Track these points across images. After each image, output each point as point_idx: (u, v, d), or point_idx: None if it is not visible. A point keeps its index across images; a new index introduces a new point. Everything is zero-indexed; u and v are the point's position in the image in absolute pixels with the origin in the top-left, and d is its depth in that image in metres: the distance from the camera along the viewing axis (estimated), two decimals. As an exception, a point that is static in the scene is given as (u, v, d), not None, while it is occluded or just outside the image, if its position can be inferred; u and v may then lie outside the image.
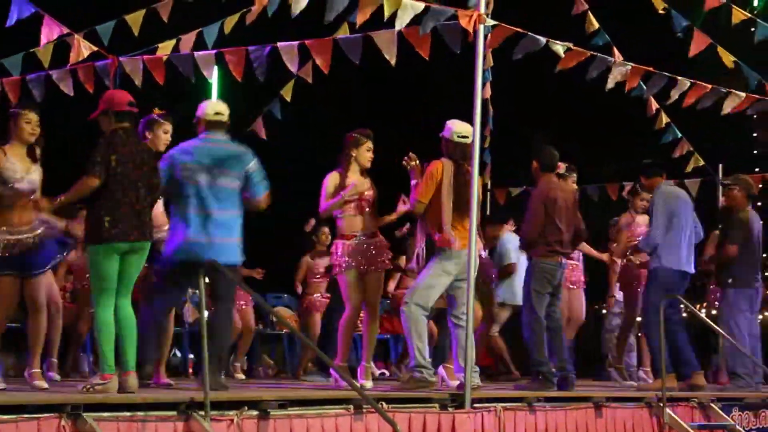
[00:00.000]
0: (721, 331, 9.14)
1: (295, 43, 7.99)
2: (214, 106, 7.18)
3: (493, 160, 10.52)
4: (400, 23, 7.08)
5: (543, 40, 7.83)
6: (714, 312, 10.27)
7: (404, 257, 10.74)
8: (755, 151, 12.84)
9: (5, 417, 5.12)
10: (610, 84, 8.73)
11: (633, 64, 8.81)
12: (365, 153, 7.89)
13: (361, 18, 7.15)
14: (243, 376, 9.94)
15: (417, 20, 7.17)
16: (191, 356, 10.82)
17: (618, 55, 8.88)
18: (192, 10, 8.57)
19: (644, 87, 9.42)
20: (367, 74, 8.29)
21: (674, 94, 9.22)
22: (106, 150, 6.29)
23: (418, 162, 7.74)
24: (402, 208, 8.04)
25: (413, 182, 7.73)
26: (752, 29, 9.49)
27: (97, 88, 8.56)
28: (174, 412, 5.68)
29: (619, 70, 8.73)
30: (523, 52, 7.82)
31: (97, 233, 6.26)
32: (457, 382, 7.60)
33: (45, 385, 6.79)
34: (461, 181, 7.47)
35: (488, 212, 11.44)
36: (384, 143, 8.07)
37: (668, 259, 8.88)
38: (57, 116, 9.00)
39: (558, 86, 8.61)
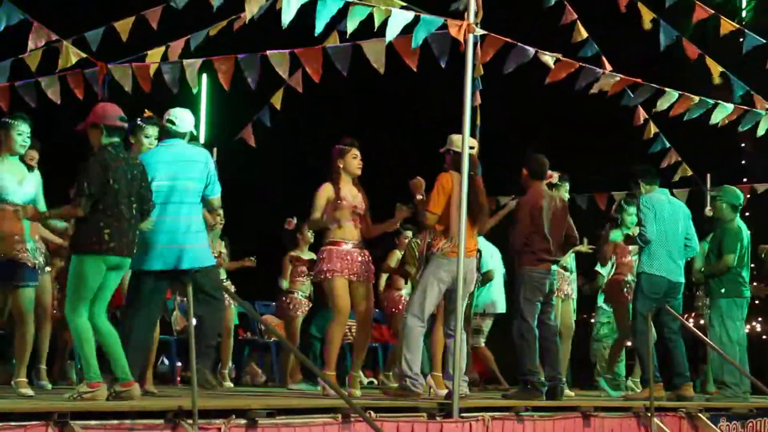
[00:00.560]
0: (708, 341, 9.16)
1: (286, 51, 8.00)
2: (174, 114, 7.14)
3: (483, 169, 10.51)
4: (391, 33, 7.08)
5: (532, 51, 7.86)
6: (702, 322, 10.29)
7: (394, 256, 10.75)
8: (743, 161, 12.89)
9: (-8, 425, 5.11)
10: (594, 90, 8.76)
11: (622, 76, 8.83)
12: (352, 161, 7.89)
13: (350, 27, 7.14)
14: (231, 384, 9.91)
15: (407, 29, 7.18)
16: (179, 364, 10.79)
17: (607, 66, 8.90)
18: (181, 18, 8.58)
19: (632, 95, 9.46)
20: (357, 82, 8.30)
21: (661, 104, 9.25)
22: (97, 174, 6.20)
23: (420, 179, 7.78)
24: (401, 215, 8.08)
25: (417, 198, 7.74)
26: (740, 39, 9.54)
27: (86, 94, 8.55)
28: (161, 421, 5.65)
29: (607, 80, 8.76)
30: (513, 65, 7.85)
31: (93, 244, 6.18)
32: (446, 391, 7.61)
33: (30, 392, 6.77)
34: (474, 191, 7.50)
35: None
36: (376, 150, 8.09)
37: (652, 265, 8.91)
38: (48, 122, 9.00)
39: (547, 95, 8.63)
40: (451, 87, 7.36)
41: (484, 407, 7.26)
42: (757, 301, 10.49)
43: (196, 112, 11.77)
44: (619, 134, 11.48)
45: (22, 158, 7.09)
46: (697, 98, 9.32)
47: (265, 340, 11.61)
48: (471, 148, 7.49)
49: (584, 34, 9.30)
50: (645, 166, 9.40)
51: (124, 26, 8.58)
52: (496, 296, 10.26)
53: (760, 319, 11.68)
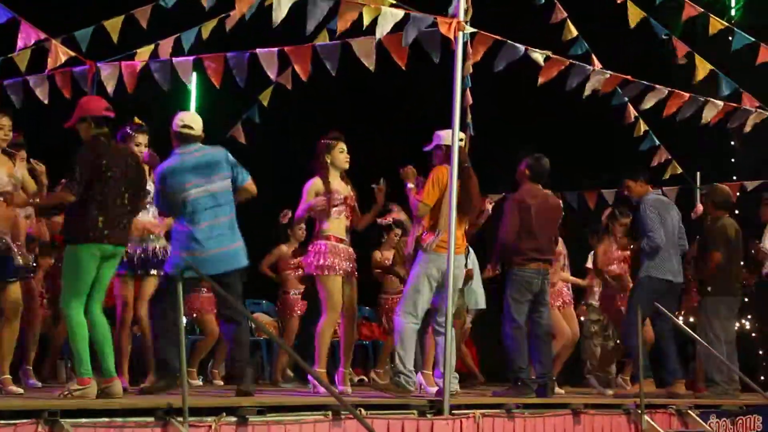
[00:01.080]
0: (698, 338, 9.18)
1: (275, 49, 7.99)
2: (183, 119, 7.14)
3: (473, 167, 10.53)
4: (381, 31, 7.09)
5: (522, 48, 7.87)
6: (692, 320, 10.32)
7: (378, 252, 10.74)
8: (733, 159, 12.91)
9: (-19, 423, 5.10)
10: (587, 92, 8.79)
11: (612, 73, 8.85)
12: (339, 155, 7.87)
13: (341, 26, 7.15)
14: (221, 382, 9.90)
15: (397, 27, 7.19)
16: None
17: (597, 63, 8.92)
18: (171, 16, 8.56)
19: (620, 91, 9.49)
20: (347, 80, 8.30)
21: (650, 100, 9.26)
22: (91, 160, 6.25)
23: (412, 168, 7.77)
24: (394, 216, 8.06)
25: (409, 186, 7.74)
26: (729, 38, 9.56)
27: (74, 94, 8.53)
28: (152, 418, 5.65)
29: (597, 78, 8.78)
30: (503, 63, 7.87)
31: (86, 232, 6.21)
32: (436, 389, 7.61)
33: (20, 390, 6.75)
34: (466, 183, 7.50)
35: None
36: (366, 146, 8.08)
37: (657, 268, 8.93)
38: (37, 121, 8.99)
39: (537, 93, 8.63)
40: (441, 85, 7.37)
41: (474, 404, 7.28)
42: (746, 299, 10.50)
43: (185, 110, 11.80)
44: (608, 132, 11.48)
45: (4, 151, 7.10)
46: (687, 95, 9.35)
47: (255, 337, 11.59)
48: (460, 139, 7.49)
49: (574, 32, 9.31)
50: (637, 166, 9.42)
51: (114, 25, 8.56)
52: (475, 293, 10.24)
53: (749, 316, 11.69)
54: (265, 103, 9.68)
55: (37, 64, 8.48)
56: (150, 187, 7.31)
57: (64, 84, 8.60)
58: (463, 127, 8.73)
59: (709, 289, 9.49)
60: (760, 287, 10.37)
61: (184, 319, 6.32)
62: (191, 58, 8.32)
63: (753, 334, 11.77)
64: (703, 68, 9.29)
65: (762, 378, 11.44)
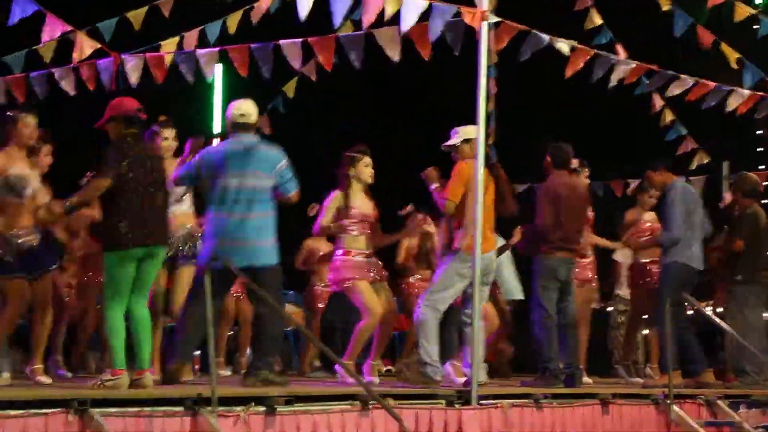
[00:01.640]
0: (727, 327, 9.10)
1: (299, 40, 7.98)
2: (239, 107, 7.09)
3: (497, 156, 10.51)
4: (406, 23, 7.03)
5: (546, 37, 7.82)
6: (720, 309, 10.24)
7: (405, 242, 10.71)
8: (759, 149, 12.81)
9: (12, 413, 5.12)
10: (613, 82, 8.72)
11: (637, 62, 8.78)
12: (364, 170, 7.86)
13: (366, 20, 7.11)
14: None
15: (420, 18, 7.14)
16: (197, 353, 10.76)
17: (622, 53, 8.85)
18: (194, 7, 8.55)
19: (646, 82, 9.41)
20: (371, 71, 8.27)
21: (675, 89, 9.19)
22: (117, 155, 6.26)
23: (434, 169, 7.74)
24: (418, 226, 8.05)
25: (433, 187, 7.70)
26: (755, 26, 9.48)
27: (98, 86, 8.53)
28: (181, 408, 5.66)
29: (623, 68, 8.71)
30: (529, 53, 7.82)
31: (113, 240, 6.21)
32: (464, 379, 7.59)
33: (48, 380, 6.79)
34: (499, 184, 7.54)
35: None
36: (389, 139, 8.06)
37: (683, 255, 8.87)
38: (60, 114, 9.00)
39: (562, 82, 8.58)
40: (465, 75, 7.33)
41: (502, 395, 7.25)
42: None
43: (210, 102, 11.78)
44: (635, 122, 11.41)
45: (30, 151, 7.12)
46: (712, 84, 9.27)
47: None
48: (473, 139, 7.41)
49: (598, 21, 9.25)
50: (656, 158, 9.35)
51: (137, 16, 8.56)
52: (511, 282, 10.18)
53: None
54: (290, 94, 9.67)
55: (61, 56, 8.49)
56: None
57: (89, 76, 8.60)
58: (486, 116, 8.70)
59: (738, 278, 9.42)
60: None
61: (211, 309, 6.28)
62: (216, 49, 8.31)
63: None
64: (730, 57, 9.20)
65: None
